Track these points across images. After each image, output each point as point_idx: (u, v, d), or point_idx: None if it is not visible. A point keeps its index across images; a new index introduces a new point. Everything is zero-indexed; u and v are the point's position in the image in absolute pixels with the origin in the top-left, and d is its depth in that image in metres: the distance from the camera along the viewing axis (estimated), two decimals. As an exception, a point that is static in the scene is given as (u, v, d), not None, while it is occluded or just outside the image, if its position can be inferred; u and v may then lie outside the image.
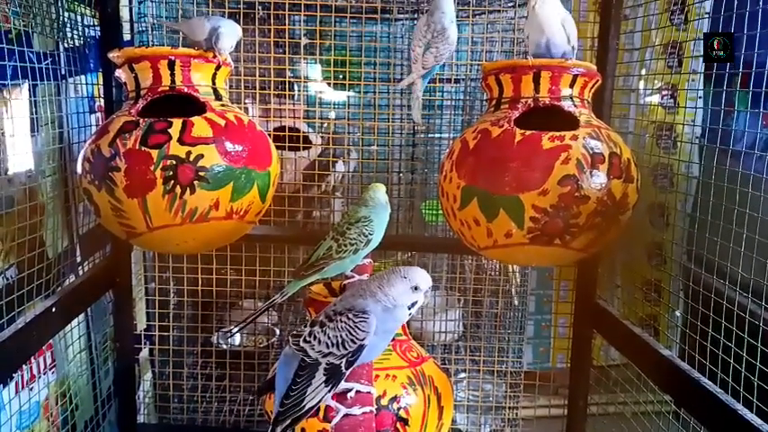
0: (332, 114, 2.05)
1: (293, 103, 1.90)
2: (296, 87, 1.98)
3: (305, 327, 0.87)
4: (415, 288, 0.87)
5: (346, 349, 0.82)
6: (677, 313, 1.44)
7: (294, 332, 0.89)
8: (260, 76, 1.61)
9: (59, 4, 1.40)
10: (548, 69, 1.12)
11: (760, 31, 1.03)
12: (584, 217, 1.03)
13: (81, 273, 1.52)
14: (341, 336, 0.83)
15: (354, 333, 0.83)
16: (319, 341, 0.83)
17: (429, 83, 1.76)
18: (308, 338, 0.84)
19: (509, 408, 1.84)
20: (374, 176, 1.76)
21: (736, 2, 1.10)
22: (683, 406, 1.19)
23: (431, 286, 0.89)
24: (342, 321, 0.83)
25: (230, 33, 1.19)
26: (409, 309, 0.87)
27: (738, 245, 1.07)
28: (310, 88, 2.03)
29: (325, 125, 1.89)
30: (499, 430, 1.86)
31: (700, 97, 1.48)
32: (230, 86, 1.58)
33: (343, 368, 0.83)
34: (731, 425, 0.97)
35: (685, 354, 1.23)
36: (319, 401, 0.83)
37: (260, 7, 1.61)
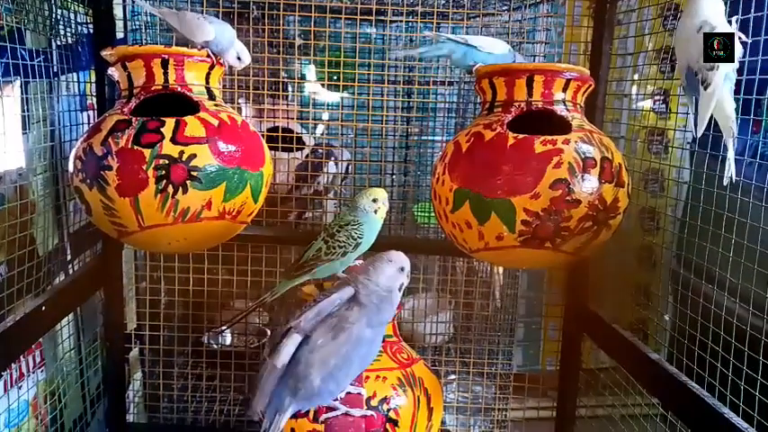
0: (325, 116, 2.05)
1: (287, 104, 1.89)
2: (290, 88, 1.97)
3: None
4: (401, 269, 0.92)
5: None
6: (666, 317, 1.44)
7: None
8: (254, 76, 1.61)
9: (52, 2, 1.39)
10: (541, 73, 1.12)
11: (751, 38, 1.04)
12: (574, 221, 1.04)
13: (71, 271, 1.52)
14: None
15: None
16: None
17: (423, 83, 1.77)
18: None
19: (498, 409, 1.85)
20: (367, 178, 1.76)
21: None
22: (671, 409, 1.19)
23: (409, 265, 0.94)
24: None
25: (241, 45, 1.21)
26: (400, 291, 0.93)
27: (727, 250, 1.08)
28: (304, 89, 2.03)
29: (311, 126, 1.88)
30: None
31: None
32: (224, 86, 1.57)
33: None
34: (717, 428, 0.98)
35: (673, 357, 1.24)
36: None
37: (254, 7, 1.61)
